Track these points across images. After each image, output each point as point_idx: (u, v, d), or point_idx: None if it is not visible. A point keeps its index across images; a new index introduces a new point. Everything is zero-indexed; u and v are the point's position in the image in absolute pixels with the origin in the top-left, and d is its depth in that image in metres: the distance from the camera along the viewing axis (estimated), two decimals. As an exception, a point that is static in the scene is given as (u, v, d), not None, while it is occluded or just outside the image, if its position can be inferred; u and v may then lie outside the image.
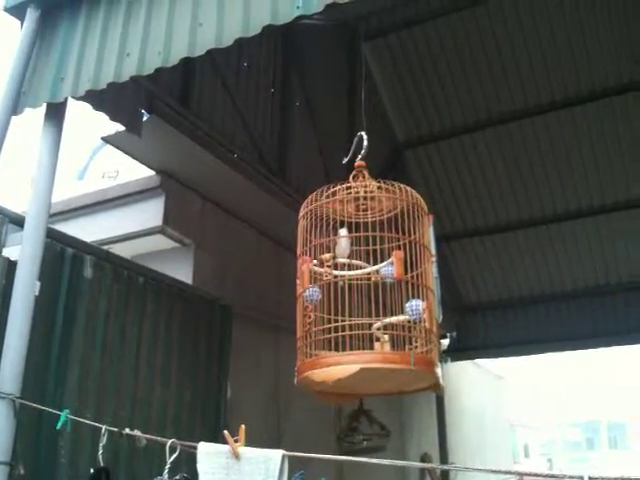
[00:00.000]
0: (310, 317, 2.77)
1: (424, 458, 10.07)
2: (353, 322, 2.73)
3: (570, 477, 1.68)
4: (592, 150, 8.79)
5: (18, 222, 3.67)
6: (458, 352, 10.89)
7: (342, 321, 2.74)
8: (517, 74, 8.33)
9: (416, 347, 2.71)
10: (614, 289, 9.97)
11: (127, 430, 2.90)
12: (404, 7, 7.89)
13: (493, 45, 8.08)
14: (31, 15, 3.75)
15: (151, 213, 5.69)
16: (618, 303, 9.88)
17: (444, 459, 10.25)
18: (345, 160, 3.19)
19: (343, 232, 2.89)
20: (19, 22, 3.81)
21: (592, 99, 8.35)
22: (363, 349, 2.70)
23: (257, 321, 6.50)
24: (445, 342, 10.69)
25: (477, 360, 12.74)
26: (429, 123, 9.10)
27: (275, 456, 2.28)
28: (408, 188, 2.91)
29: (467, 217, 9.98)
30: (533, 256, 10.08)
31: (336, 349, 2.72)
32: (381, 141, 8.87)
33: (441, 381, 2.81)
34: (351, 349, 2.69)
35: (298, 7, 2.97)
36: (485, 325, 10.89)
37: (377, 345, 2.78)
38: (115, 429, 2.88)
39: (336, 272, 2.84)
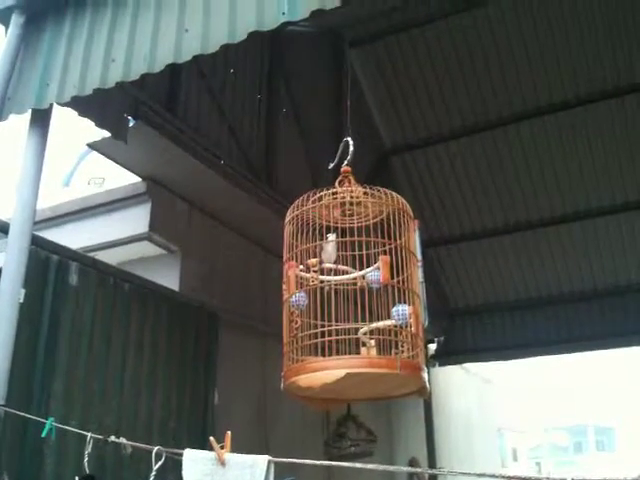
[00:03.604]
0: (297, 322, 2.77)
1: (412, 463, 10.07)
2: (339, 327, 2.73)
3: (554, 479, 1.68)
4: (577, 156, 8.86)
5: (3, 229, 3.66)
6: (446, 356, 10.91)
7: (328, 326, 2.74)
8: (502, 81, 8.39)
9: (402, 352, 2.71)
10: (600, 294, 10.04)
11: (113, 437, 2.89)
12: (390, 14, 7.93)
13: (480, 52, 8.14)
14: (16, 20, 3.74)
15: (137, 220, 5.67)
16: (604, 307, 9.94)
17: (432, 464, 10.25)
18: (331, 165, 3.19)
19: (332, 237, 2.89)
20: (4, 27, 3.79)
21: (579, 104, 8.42)
22: (349, 354, 2.70)
23: (244, 327, 6.49)
24: (433, 347, 10.71)
25: (465, 364, 12.76)
26: (415, 129, 9.15)
27: (261, 462, 2.28)
28: (394, 193, 2.92)
29: (454, 222, 10.03)
30: (519, 261, 10.14)
31: (322, 354, 2.72)
32: (368, 147, 8.90)
33: (427, 385, 2.82)
34: (337, 354, 2.69)
35: (284, 13, 2.98)
36: (473, 329, 10.92)
37: (363, 350, 2.78)
38: (101, 437, 2.87)
39: (322, 277, 2.84)
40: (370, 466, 2.26)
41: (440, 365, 10.98)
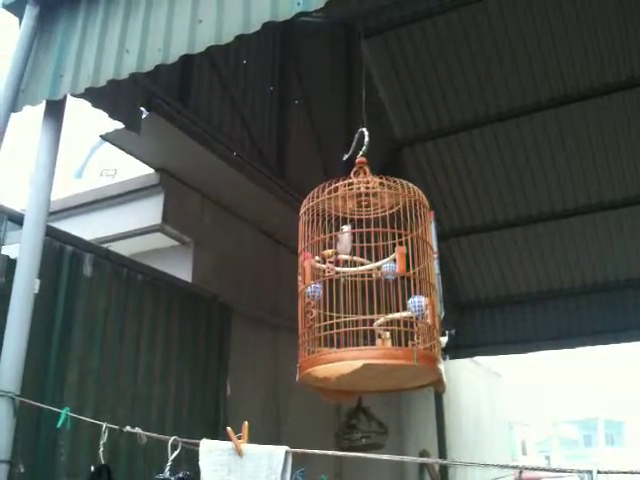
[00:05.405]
0: (312, 313, 2.77)
1: (423, 455, 10.06)
2: (355, 318, 2.72)
3: (579, 471, 1.67)
4: (591, 148, 8.80)
5: (17, 220, 3.67)
6: (456, 350, 10.88)
7: (343, 318, 2.73)
8: (515, 72, 8.33)
9: (418, 343, 2.70)
10: (612, 287, 9.97)
11: (128, 428, 2.89)
12: (402, 5, 7.88)
13: (491, 43, 8.08)
14: (30, 12, 3.73)
15: (150, 211, 5.68)
16: (616, 301, 9.87)
17: (443, 456, 10.25)
18: (346, 157, 3.18)
19: (346, 228, 2.88)
20: (18, 19, 3.79)
21: (592, 96, 8.36)
22: (364, 346, 2.69)
23: (256, 319, 6.49)
24: (444, 340, 10.66)
25: (475, 357, 12.73)
26: (427, 121, 9.10)
27: (279, 452, 2.28)
28: (410, 184, 2.91)
29: (465, 215, 9.98)
30: (531, 254, 10.08)
31: (337, 346, 2.71)
32: (379, 139, 8.86)
33: (444, 377, 2.81)
34: (351, 346, 2.68)
35: (299, 4, 2.95)
36: (483, 323, 10.88)
37: (378, 342, 2.77)
38: (116, 427, 2.87)
39: (338, 268, 2.83)
40: (384, 457, 2.26)
41: (451, 358, 10.95)
